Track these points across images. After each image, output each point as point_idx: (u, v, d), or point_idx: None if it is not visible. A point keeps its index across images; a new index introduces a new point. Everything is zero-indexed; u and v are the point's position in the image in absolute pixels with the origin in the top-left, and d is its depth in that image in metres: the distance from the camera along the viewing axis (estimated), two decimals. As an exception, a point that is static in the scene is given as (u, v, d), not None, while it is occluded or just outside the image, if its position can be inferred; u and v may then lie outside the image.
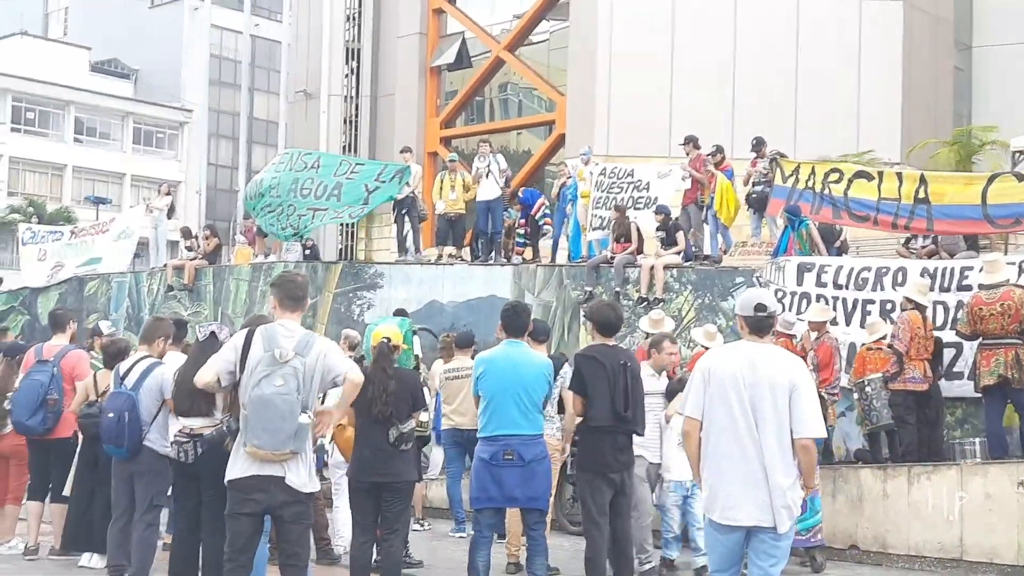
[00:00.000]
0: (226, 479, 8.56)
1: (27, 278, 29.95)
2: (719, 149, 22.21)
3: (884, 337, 15.51)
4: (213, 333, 10.16)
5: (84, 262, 28.62)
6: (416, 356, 12.49)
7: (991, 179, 17.81)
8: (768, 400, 7.79)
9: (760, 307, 8.09)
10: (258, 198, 23.76)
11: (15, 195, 71.54)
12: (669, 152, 22.14)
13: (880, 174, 18.94)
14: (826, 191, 18.86)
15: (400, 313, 18.34)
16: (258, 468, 8.38)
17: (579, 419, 11.06)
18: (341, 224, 23.06)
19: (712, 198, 21.36)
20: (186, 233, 28.21)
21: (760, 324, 8.09)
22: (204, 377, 8.68)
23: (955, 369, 15.98)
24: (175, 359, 11.29)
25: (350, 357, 15.29)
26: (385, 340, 10.36)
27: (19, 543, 13.59)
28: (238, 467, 8.48)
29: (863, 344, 16.00)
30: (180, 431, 10.03)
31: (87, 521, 12.68)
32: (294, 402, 8.23)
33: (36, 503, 13.42)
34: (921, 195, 17.92)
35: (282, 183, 22.97)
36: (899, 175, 18.65)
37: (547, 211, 24.45)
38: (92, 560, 12.63)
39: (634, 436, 11.11)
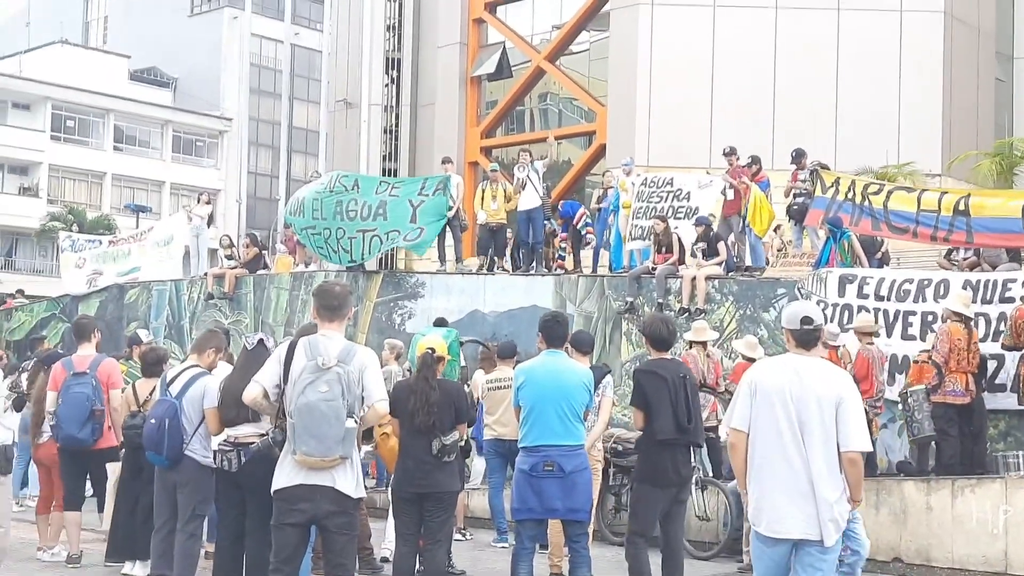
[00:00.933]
0: (272, 488, 8.57)
1: (67, 285, 30.15)
2: (755, 160, 22.12)
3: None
4: (261, 341, 10.21)
5: (126, 271, 28.77)
6: (463, 368, 12.54)
7: None
8: (815, 413, 7.77)
9: (806, 320, 8.06)
10: (299, 216, 23.90)
11: (55, 203, 71.94)
12: (710, 163, 22.15)
13: (921, 191, 18.90)
14: (866, 203, 18.80)
15: (440, 323, 18.38)
16: (304, 477, 8.38)
17: (640, 432, 11.07)
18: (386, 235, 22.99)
19: (746, 209, 21.37)
20: (227, 242, 28.33)
21: (806, 337, 8.05)
22: (251, 393, 8.72)
23: (997, 381, 15.91)
24: (222, 370, 11.33)
25: (400, 368, 15.43)
26: (429, 351, 10.38)
27: (61, 550, 13.68)
28: (284, 476, 8.49)
29: (918, 354, 15.93)
30: (225, 440, 10.08)
31: (131, 529, 12.72)
32: (339, 407, 8.22)
33: (74, 512, 13.44)
34: (961, 207, 17.82)
35: (324, 205, 23.15)
36: (941, 195, 18.55)
37: (588, 220, 24.45)
38: (136, 568, 12.66)
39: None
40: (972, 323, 15.47)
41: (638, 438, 11.24)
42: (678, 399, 10.68)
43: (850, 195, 19.00)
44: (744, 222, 21.55)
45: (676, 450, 10.77)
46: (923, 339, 16.49)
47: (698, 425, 10.92)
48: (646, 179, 22.66)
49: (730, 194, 21.63)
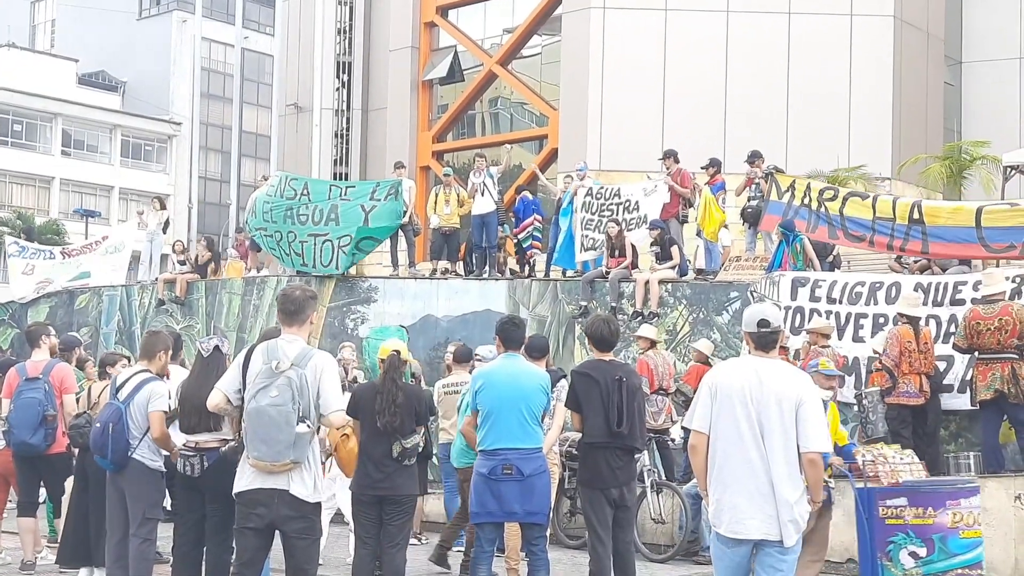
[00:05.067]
0: (233, 491, 8.63)
1: (14, 291, 29.78)
2: (713, 162, 22.16)
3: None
4: (217, 347, 10.18)
5: (74, 276, 28.51)
6: (414, 374, 12.53)
7: (980, 209, 17.57)
8: (775, 415, 7.83)
9: (763, 323, 8.12)
10: (252, 217, 23.81)
11: (2, 208, 71.33)
12: (662, 167, 22.15)
13: (875, 197, 18.94)
14: (822, 209, 18.73)
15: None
16: (262, 481, 8.44)
17: (578, 435, 11.11)
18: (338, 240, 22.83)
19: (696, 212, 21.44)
20: (179, 247, 28.15)
21: (765, 340, 8.13)
22: (214, 400, 8.84)
23: (945, 382, 16.00)
24: (177, 374, 11.29)
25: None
26: (395, 352, 10.41)
27: (6, 557, 13.70)
28: (244, 480, 8.57)
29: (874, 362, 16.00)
30: (185, 444, 10.05)
31: (83, 536, 12.65)
32: (289, 412, 8.27)
33: (29, 519, 13.43)
34: (915, 216, 17.83)
35: (275, 209, 23.02)
36: (894, 201, 18.56)
37: (536, 233, 24.25)
38: (90, 575, 12.61)
39: None
40: (921, 324, 15.59)
41: (578, 441, 11.25)
42: (610, 402, 10.69)
43: (806, 200, 18.93)
44: (696, 226, 21.65)
45: (610, 452, 10.78)
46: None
47: (633, 429, 10.84)
48: (590, 190, 22.59)
49: (667, 197, 21.63)
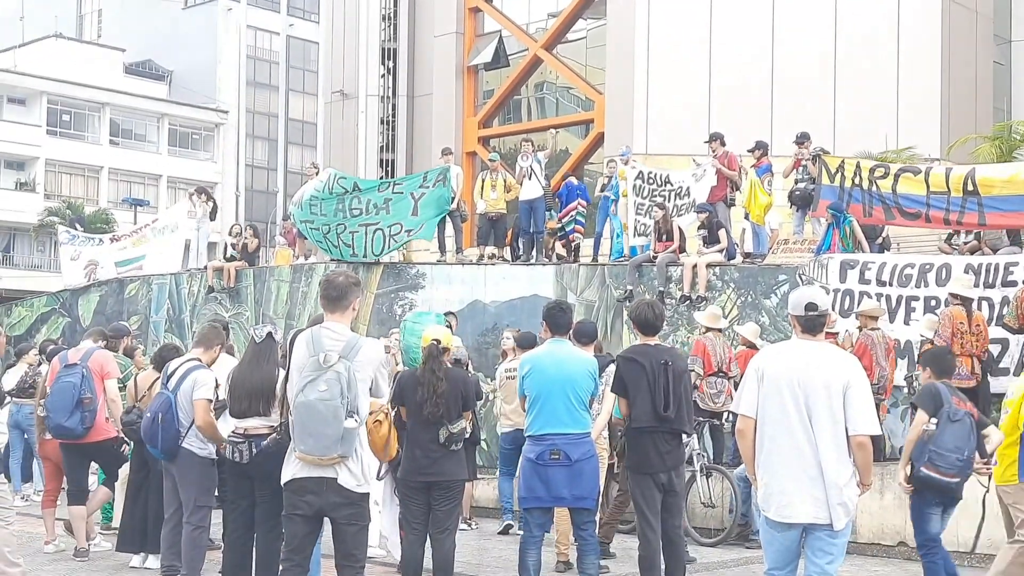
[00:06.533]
0: (281, 480, 8.63)
1: (67, 279, 30.11)
2: (759, 145, 21.99)
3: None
4: (270, 334, 10.19)
5: (127, 260, 28.71)
6: (458, 360, 12.47)
7: None
8: (823, 398, 7.80)
9: (811, 306, 8.08)
10: (298, 209, 23.88)
11: (52, 198, 71.83)
12: (708, 150, 22.05)
13: (927, 170, 18.75)
14: (874, 188, 18.56)
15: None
16: (310, 470, 8.41)
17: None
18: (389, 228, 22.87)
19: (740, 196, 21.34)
20: (237, 230, 28.21)
21: (812, 323, 8.09)
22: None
23: (1001, 365, 15.85)
24: (226, 362, 11.35)
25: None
26: (435, 342, 10.37)
27: (61, 543, 13.82)
28: (291, 469, 8.54)
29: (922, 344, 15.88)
30: (234, 431, 10.10)
31: (139, 523, 12.77)
32: (338, 407, 8.20)
33: (79, 507, 13.51)
34: (970, 187, 17.62)
35: (324, 204, 23.09)
36: (947, 172, 18.37)
37: (579, 218, 24.18)
38: (143, 561, 12.75)
39: None
40: (974, 305, 15.44)
41: (625, 426, 11.22)
42: (656, 386, 10.59)
43: (857, 180, 18.75)
44: (744, 210, 21.54)
45: (657, 437, 10.69)
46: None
47: (681, 413, 10.75)
48: (641, 173, 22.47)
49: (715, 180, 21.52)
